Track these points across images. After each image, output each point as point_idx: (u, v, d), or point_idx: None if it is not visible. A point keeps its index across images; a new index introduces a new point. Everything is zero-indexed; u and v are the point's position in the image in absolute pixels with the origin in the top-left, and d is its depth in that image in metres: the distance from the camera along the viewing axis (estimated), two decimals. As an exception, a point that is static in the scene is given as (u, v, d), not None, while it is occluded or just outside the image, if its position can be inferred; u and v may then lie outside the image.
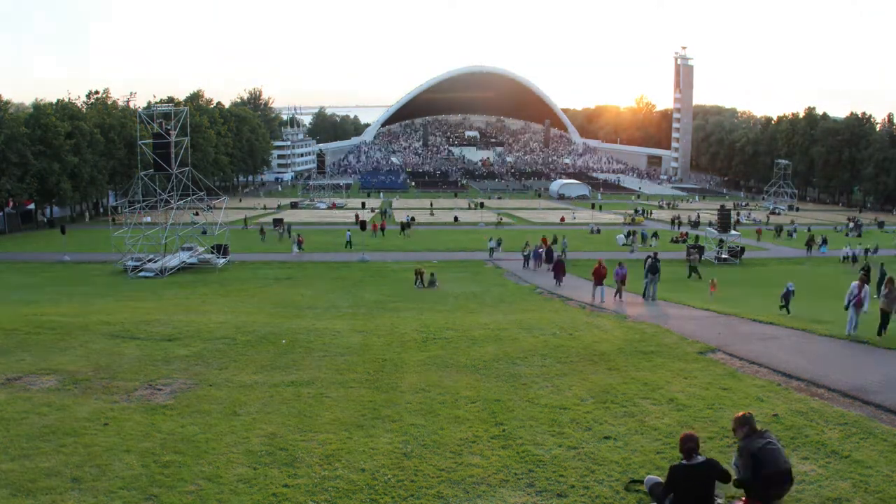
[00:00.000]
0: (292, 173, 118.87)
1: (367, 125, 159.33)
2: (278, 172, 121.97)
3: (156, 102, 68.32)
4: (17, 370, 9.81)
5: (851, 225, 61.90)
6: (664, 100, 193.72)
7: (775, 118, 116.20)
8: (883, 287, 13.59)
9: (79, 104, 67.11)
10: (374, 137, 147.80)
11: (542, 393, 8.92)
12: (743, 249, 38.70)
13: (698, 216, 64.23)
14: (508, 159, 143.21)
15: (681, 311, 17.70)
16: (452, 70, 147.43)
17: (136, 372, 9.85)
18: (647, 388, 9.07)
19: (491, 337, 12.80)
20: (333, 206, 77.71)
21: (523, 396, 8.75)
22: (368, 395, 8.83)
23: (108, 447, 6.77)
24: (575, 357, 11.04)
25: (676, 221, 60.07)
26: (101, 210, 69.40)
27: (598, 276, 20.58)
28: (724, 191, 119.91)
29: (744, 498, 5.56)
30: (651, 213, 72.12)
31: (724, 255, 37.32)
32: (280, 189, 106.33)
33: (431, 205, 75.77)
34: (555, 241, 38.81)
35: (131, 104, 76.86)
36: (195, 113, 72.67)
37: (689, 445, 5.35)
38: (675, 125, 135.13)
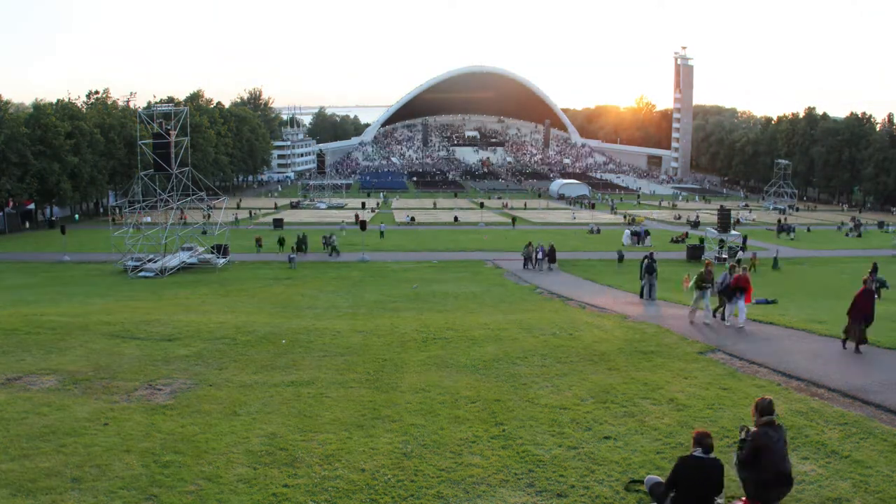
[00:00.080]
0: (292, 173, 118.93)
1: (367, 125, 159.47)
2: (278, 172, 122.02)
3: (156, 102, 68.49)
4: (17, 370, 9.81)
5: (851, 225, 61.91)
6: (664, 100, 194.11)
7: (775, 118, 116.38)
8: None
9: (79, 104, 67.24)
10: (374, 137, 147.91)
11: (542, 393, 8.92)
12: (743, 249, 38.68)
13: (697, 216, 64.26)
14: (508, 159, 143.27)
15: (681, 311, 17.67)
16: (452, 70, 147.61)
17: (136, 372, 9.86)
18: (647, 388, 9.07)
19: (491, 337, 12.79)
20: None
21: (523, 396, 8.75)
22: (368, 395, 8.83)
23: (108, 447, 6.77)
24: (575, 357, 11.04)
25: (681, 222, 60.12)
26: (102, 210, 69.42)
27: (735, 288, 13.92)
28: (725, 191, 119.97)
29: (743, 498, 5.57)
30: (636, 219, 70.02)
31: (723, 255, 37.32)
32: (280, 189, 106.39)
33: (435, 205, 75.97)
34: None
35: (131, 104, 77.10)
36: (195, 113, 72.74)
37: (708, 441, 5.31)
38: (675, 125, 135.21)
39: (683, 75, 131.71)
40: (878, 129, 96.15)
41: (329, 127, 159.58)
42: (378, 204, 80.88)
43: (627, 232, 47.39)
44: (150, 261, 32.85)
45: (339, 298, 22.61)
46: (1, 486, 5.86)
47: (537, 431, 7.39)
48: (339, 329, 13.91)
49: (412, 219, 60.50)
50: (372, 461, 6.55)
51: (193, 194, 37.84)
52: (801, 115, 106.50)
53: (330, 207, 76.92)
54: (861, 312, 11.19)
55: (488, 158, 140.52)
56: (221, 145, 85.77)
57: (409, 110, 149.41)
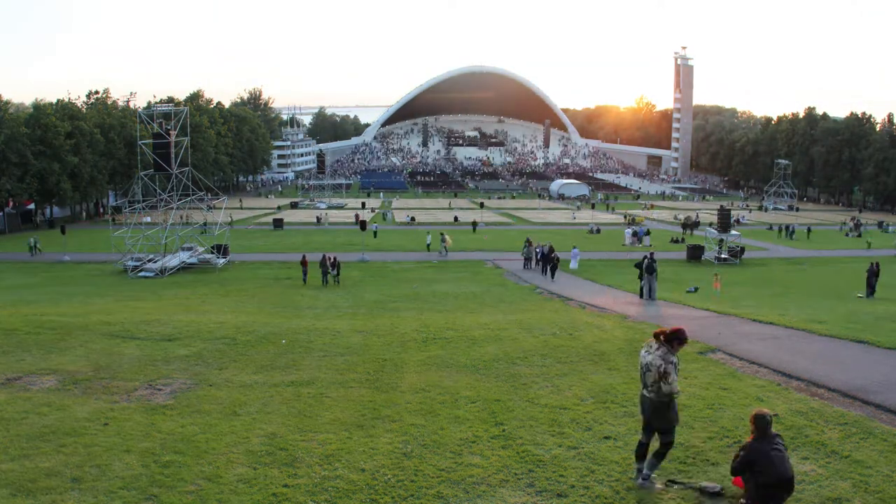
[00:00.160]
0: (292, 173, 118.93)
1: (367, 125, 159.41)
2: (278, 172, 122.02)
3: (156, 102, 68.49)
4: (17, 370, 9.81)
5: (851, 225, 61.92)
6: (664, 100, 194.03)
7: (775, 118, 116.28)
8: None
9: (79, 104, 67.21)
10: (374, 137, 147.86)
11: (542, 393, 8.92)
12: (743, 249, 38.69)
13: (697, 216, 64.20)
14: (508, 159, 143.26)
15: (680, 311, 17.70)
16: (453, 70, 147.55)
17: (136, 372, 9.86)
18: (647, 388, 9.05)
19: (491, 337, 12.80)
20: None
21: (523, 396, 8.75)
22: (368, 395, 8.83)
23: (108, 447, 6.77)
24: (575, 357, 11.04)
25: (684, 221, 59.99)
26: (102, 210, 69.45)
27: None
28: (725, 191, 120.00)
29: (743, 499, 5.56)
30: (636, 219, 69.70)
31: (723, 255, 37.34)
32: (280, 189, 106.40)
33: (450, 205, 76.25)
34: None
35: (131, 104, 77.09)
36: (195, 113, 72.74)
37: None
38: (675, 125, 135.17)
39: (683, 75, 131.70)
40: (878, 129, 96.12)
41: (329, 127, 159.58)
42: (380, 205, 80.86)
43: (629, 231, 47.47)
44: (150, 261, 32.85)
45: (339, 298, 22.62)
46: (1, 486, 5.86)
47: (537, 431, 7.39)
48: (339, 329, 13.92)
49: (412, 219, 60.53)
50: (372, 461, 6.55)
51: (193, 194, 37.85)
52: (801, 115, 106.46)
53: (330, 207, 76.90)
54: None
55: (488, 158, 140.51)
56: (221, 145, 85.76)
57: (410, 110, 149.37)
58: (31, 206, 61.39)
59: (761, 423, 5.47)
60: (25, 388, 8.88)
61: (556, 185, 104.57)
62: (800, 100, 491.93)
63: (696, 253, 37.73)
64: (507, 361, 10.70)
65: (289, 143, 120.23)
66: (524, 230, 51.62)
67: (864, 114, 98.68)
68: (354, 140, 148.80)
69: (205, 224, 40.07)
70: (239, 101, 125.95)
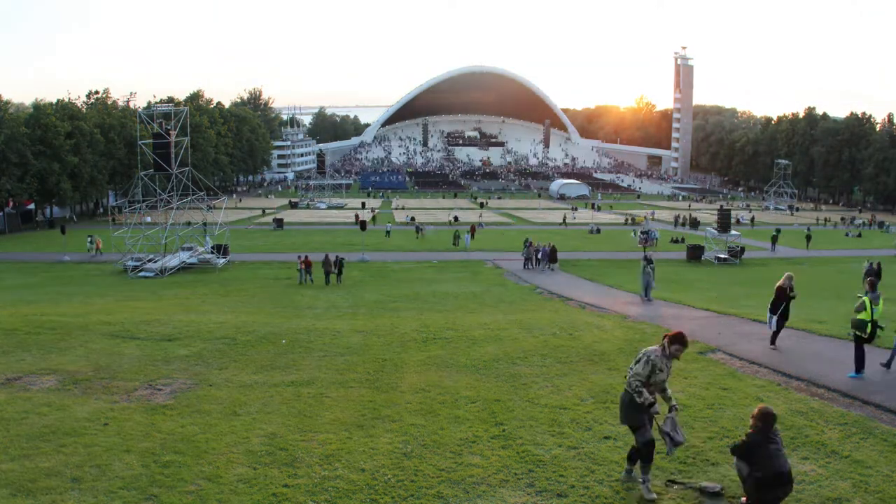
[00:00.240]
0: (292, 173, 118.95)
1: (367, 125, 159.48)
2: (278, 172, 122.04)
3: (156, 102, 68.49)
4: (17, 370, 9.81)
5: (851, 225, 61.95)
6: (664, 100, 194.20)
7: (775, 118, 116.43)
8: None
9: (79, 104, 67.25)
10: (374, 137, 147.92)
11: (542, 393, 8.92)
12: (743, 249, 38.69)
13: (696, 217, 64.19)
14: (508, 159, 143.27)
15: (680, 311, 17.70)
16: (452, 70, 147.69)
17: (136, 372, 9.86)
18: (647, 388, 9.05)
19: (491, 337, 12.80)
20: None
21: (523, 396, 8.75)
22: (368, 395, 8.83)
23: (108, 447, 6.77)
24: (575, 357, 11.04)
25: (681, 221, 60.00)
26: (102, 210, 69.43)
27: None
28: (725, 191, 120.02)
29: (744, 498, 5.57)
30: (636, 219, 69.00)
31: (723, 255, 37.36)
32: (280, 189, 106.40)
33: (451, 205, 76.24)
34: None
35: (131, 104, 77.11)
36: (195, 113, 72.77)
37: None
38: (675, 125, 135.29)
39: (683, 75, 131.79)
40: (878, 129, 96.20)
41: (329, 127, 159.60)
42: (381, 205, 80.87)
43: (641, 233, 47.26)
44: (150, 261, 32.85)
45: (339, 298, 22.61)
46: (1, 486, 5.86)
47: (537, 431, 7.39)
48: (339, 329, 13.91)
49: (412, 219, 60.64)
50: (372, 461, 6.55)
51: (193, 194, 37.85)
52: (801, 115, 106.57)
53: (330, 207, 76.93)
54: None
55: (488, 158, 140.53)
56: (221, 145, 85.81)
57: (410, 110, 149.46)
58: (31, 206, 61.38)
59: (770, 420, 5.44)
60: (25, 388, 8.88)
61: (557, 185, 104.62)
62: (800, 100, 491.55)
63: (696, 253, 37.73)
64: (507, 361, 10.70)
65: (289, 143, 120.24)
66: (524, 230, 51.65)
67: (864, 114, 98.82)
68: (354, 140, 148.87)
69: (205, 224, 40.03)
70: (239, 101, 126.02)
